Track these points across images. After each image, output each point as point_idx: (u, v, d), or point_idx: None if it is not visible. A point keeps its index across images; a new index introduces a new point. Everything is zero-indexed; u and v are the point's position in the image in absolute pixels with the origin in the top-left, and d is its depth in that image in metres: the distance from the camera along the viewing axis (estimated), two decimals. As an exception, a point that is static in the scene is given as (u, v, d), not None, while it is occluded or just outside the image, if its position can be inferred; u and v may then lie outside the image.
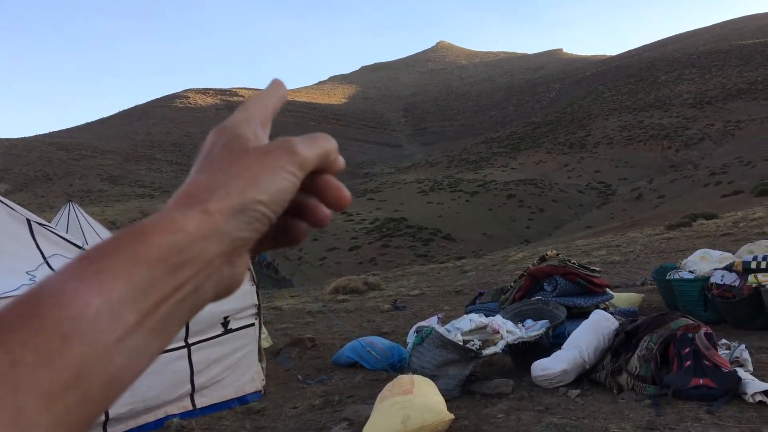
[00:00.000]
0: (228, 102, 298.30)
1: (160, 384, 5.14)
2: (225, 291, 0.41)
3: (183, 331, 4.94)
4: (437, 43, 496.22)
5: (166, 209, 0.39)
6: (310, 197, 0.46)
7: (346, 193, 0.47)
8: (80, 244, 5.59)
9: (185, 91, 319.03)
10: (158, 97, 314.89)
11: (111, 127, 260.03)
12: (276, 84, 0.50)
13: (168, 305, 0.36)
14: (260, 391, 5.84)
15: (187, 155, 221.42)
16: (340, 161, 0.47)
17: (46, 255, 4.96)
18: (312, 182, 0.46)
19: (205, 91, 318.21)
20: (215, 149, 0.43)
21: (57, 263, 4.89)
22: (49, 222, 11.33)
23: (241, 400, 5.68)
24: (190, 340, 5.40)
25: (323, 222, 0.47)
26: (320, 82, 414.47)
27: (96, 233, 12.80)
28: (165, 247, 0.36)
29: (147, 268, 0.35)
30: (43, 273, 4.71)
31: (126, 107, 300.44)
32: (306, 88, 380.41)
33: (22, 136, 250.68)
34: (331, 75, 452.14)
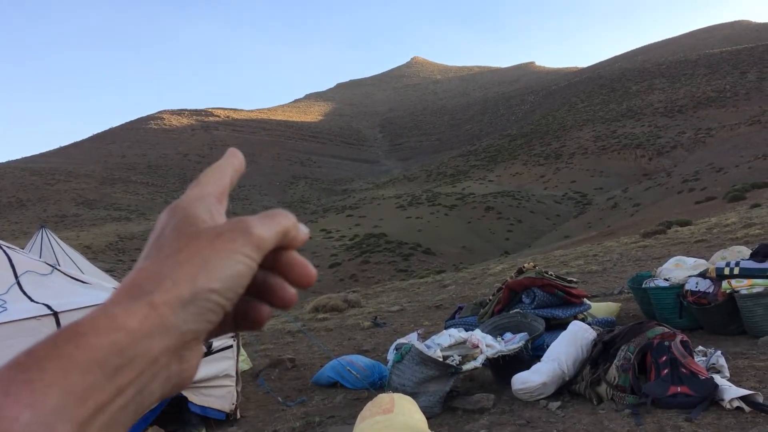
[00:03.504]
0: (203, 122, 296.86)
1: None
2: (174, 388, 0.38)
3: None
4: (411, 58, 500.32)
5: (108, 302, 0.36)
6: (272, 275, 0.43)
7: (312, 270, 0.44)
8: (52, 264, 5.49)
9: (160, 112, 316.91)
10: (132, 119, 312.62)
11: (85, 150, 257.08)
12: (232, 154, 0.47)
13: (108, 412, 0.33)
14: (226, 412, 5.69)
15: (163, 176, 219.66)
16: (302, 235, 0.44)
17: (18, 272, 4.85)
18: (274, 259, 0.42)
19: (180, 112, 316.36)
20: (165, 232, 0.40)
21: (28, 281, 4.78)
22: (22, 248, 11.14)
23: (204, 410, 5.53)
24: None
25: (289, 303, 0.43)
26: (296, 100, 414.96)
27: (70, 259, 12.59)
28: (103, 349, 0.33)
29: (82, 373, 0.32)
30: (14, 296, 4.60)
31: (100, 130, 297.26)
32: (282, 106, 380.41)
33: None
34: (307, 93, 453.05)
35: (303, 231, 0.44)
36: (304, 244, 0.44)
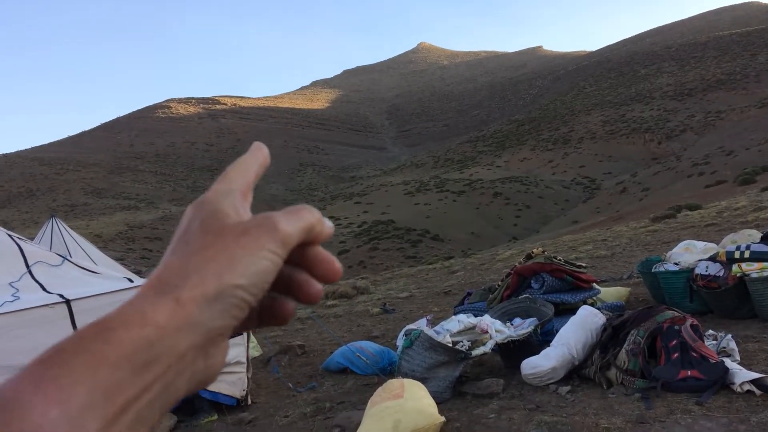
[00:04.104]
0: (210, 110, 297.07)
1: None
2: (199, 385, 0.38)
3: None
4: (418, 44, 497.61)
5: (135, 298, 0.36)
6: (298, 271, 0.43)
7: (338, 265, 0.44)
8: (63, 255, 5.53)
9: (167, 101, 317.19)
10: (140, 108, 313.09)
11: (93, 140, 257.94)
12: (257, 147, 0.48)
13: (135, 408, 0.33)
14: (236, 398, 5.74)
15: (171, 165, 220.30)
16: (327, 230, 0.44)
17: (29, 262, 4.89)
18: (300, 255, 0.43)
19: (187, 101, 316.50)
20: (192, 227, 0.40)
21: (40, 271, 4.82)
22: (33, 238, 11.21)
23: (215, 396, 5.58)
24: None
25: (315, 298, 0.43)
26: (303, 88, 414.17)
27: (81, 248, 12.67)
28: (131, 344, 0.33)
29: (111, 369, 0.32)
30: (26, 284, 4.64)
31: (108, 119, 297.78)
32: (288, 93, 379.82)
33: (3, 152, 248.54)
34: (314, 80, 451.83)
35: (328, 226, 0.44)
36: (329, 238, 0.44)
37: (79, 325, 4.15)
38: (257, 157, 0.47)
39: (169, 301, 0.35)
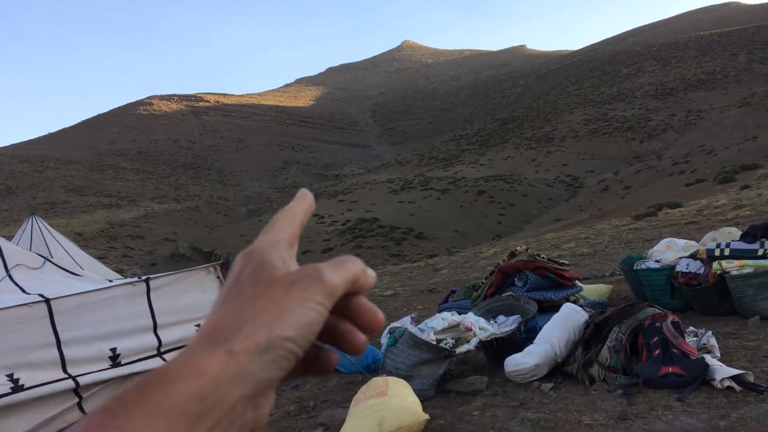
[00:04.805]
0: (193, 107, 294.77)
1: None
2: None
3: (155, 340, 4.83)
4: (402, 42, 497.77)
5: (191, 347, 0.37)
6: (341, 321, 0.44)
7: (381, 316, 0.45)
8: (44, 256, 5.45)
9: (149, 97, 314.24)
10: (122, 104, 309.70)
11: (74, 137, 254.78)
12: (302, 196, 0.48)
13: None
14: None
15: (153, 163, 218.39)
16: (370, 280, 0.44)
17: (8, 265, 4.82)
18: (343, 305, 0.43)
19: (169, 98, 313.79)
20: (243, 277, 0.41)
21: (20, 274, 4.75)
22: (12, 236, 11.04)
23: None
24: (162, 349, 5.31)
25: (359, 350, 0.44)
26: (286, 85, 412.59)
27: (61, 246, 12.50)
28: (187, 396, 0.34)
29: (167, 420, 0.34)
30: (5, 286, 4.58)
31: (88, 116, 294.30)
32: (272, 91, 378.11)
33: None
34: (298, 77, 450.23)
35: (371, 276, 0.45)
36: (371, 288, 0.44)
37: (58, 324, 4.10)
38: (303, 205, 0.47)
39: (222, 353, 0.36)
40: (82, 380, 4.08)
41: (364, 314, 0.44)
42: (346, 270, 0.43)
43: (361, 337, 0.44)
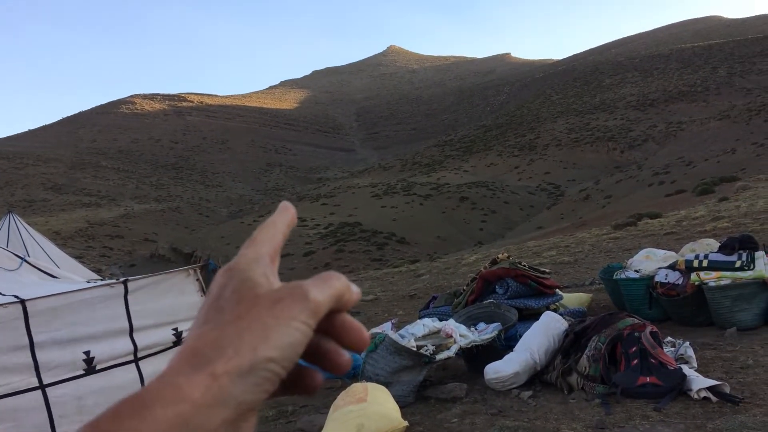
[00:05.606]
0: (176, 107, 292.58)
1: (107, 401, 4.96)
2: None
3: (131, 344, 4.76)
4: (388, 47, 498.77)
5: (170, 369, 0.35)
6: (325, 339, 0.42)
7: (366, 334, 0.43)
8: (22, 256, 5.36)
9: (131, 96, 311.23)
10: (103, 103, 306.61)
11: (54, 134, 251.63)
12: (284, 208, 0.47)
13: None
14: None
15: (135, 162, 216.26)
16: (354, 296, 0.43)
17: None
18: (327, 323, 0.42)
19: (152, 97, 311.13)
20: (224, 295, 0.39)
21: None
22: (-13, 235, 10.85)
23: None
24: (140, 354, 5.23)
25: (343, 369, 0.43)
26: (271, 87, 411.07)
27: (39, 245, 12.34)
28: (167, 422, 0.33)
29: None
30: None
31: (69, 114, 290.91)
32: (257, 93, 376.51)
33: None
34: (282, 80, 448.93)
35: (355, 292, 0.43)
36: (355, 305, 0.43)
37: (32, 326, 4.03)
38: (284, 217, 0.46)
39: (205, 376, 0.35)
40: (51, 393, 3.99)
41: (349, 332, 0.42)
42: (331, 287, 0.41)
43: (346, 356, 0.43)
